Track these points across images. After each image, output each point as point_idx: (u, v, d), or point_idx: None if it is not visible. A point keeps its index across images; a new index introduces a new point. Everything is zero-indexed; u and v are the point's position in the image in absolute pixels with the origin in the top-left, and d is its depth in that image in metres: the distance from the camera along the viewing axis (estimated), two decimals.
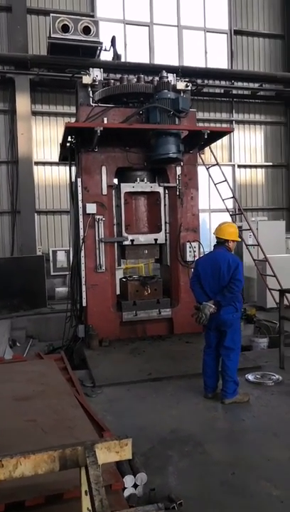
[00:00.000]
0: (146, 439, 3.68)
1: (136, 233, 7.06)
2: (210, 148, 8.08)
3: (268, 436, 3.81)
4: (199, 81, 12.17)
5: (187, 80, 8.54)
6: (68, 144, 7.09)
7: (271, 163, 14.08)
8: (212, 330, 4.66)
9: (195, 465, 3.35)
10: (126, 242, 6.95)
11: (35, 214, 11.61)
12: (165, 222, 7.25)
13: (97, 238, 6.70)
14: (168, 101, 6.47)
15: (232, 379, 4.48)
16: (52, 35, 10.23)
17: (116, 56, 10.11)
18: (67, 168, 7.86)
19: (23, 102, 11.19)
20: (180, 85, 7.06)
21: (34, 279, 9.99)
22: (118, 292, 7.41)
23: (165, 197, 7.23)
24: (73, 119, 9.17)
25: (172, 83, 6.96)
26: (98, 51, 10.79)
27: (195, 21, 13.24)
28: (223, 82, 13.05)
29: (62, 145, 7.28)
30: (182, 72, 11.08)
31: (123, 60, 11.28)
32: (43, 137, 12.01)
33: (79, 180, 6.76)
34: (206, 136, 6.75)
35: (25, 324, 8.96)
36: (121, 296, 7.30)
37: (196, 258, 6.63)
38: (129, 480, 2.85)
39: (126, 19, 12.63)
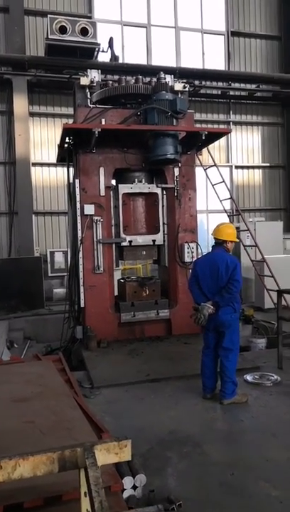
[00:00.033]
0: (144, 440, 3.68)
1: (134, 234, 7.06)
2: (207, 149, 8.09)
3: (267, 436, 3.81)
4: (196, 82, 12.19)
5: (184, 81, 8.56)
6: (66, 145, 7.08)
7: (268, 164, 14.11)
8: (211, 331, 4.66)
9: (194, 466, 3.35)
10: (124, 243, 6.95)
11: (33, 215, 11.59)
12: (163, 223, 7.26)
13: (95, 239, 6.70)
14: (166, 102, 6.47)
15: (230, 379, 4.49)
16: (49, 37, 10.22)
17: (114, 57, 10.13)
18: (65, 169, 7.85)
19: (20, 103, 11.18)
20: (178, 86, 7.07)
21: (32, 280, 9.96)
22: (116, 293, 7.40)
23: (163, 198, 7.23)
24: (71, 121, 9.18)
25: (170, 84, 6.96)
26: (96, 52, 10.78)
27: (192, 23, 13.26)
28: (220, 83, 13.06)
29: (60, 146, 7.27)
30: (179, 73, 11.09)
31: (120, 61, 11.28)
32: (41, 138, 11.99)
33: (77, 181, 6.76)
34: (204, 137, 6.76)
35: (23, 325, 8.94)
36: (119, 297, 7.30)
37: (194, 259, 6.65)
38: (128, 481, 2.85)
39: (124, 20, 12.64)
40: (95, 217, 6.69)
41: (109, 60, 10.33)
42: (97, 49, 10.68)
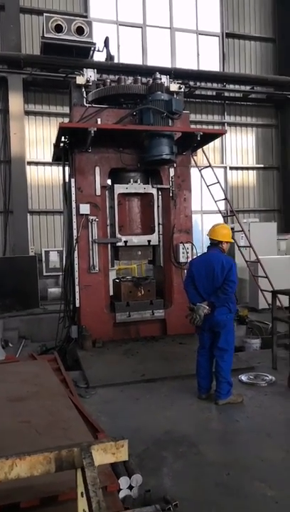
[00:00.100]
0: (140, 440, 3.68)
1: (130, 234, 7.05)
2: (202, 150, 8.11)
3: (262, 436, 3.82)
4: (191, 83, 12.22)
5: (180, 81, 8.57)
6: (62, 144, 7.06)
7: (262, 165, 14.18)
8: (206, 331, 4.67)
9: (189, 466, 3.36)
10: (119, 244, 6.95)
11: (28, 214, 11.55)
12: (159, 224, 7.26)
13: (90, 239, 6.69)
14: (162, 102, 6.49)
15: (225, 380, 4.50)
16: (45, 35, 10.20)
17: (110, 57, 10.11)
18: (60, 168, 7.83)
19: (15, 102, 11.13)
20: (174, 87, 7.08)
21: (26, 279, 9.93)
22: (111, 293, 7.39)
23: (158, 198, 7.23)
24: (66, 120, 9.15)
25: (165, 85, 6.97)
26: (91, 52, 10.78)
27: (187, 24, 13.31)
28: (215, 85, 13.10)
29: (56, 145, 7.25)
30: (174, 74, 11.11)
31: (116, 61, 11.28)
32: (36, 137, 11.96)
33: (72, 180, 6.74)
34: (199, 138, 6.77)
35: (18, 325, 8.90)
36: (114, 297, 7.29)
37: (189, 259, 6.66)
38: (124, 481, 2.84)
39: (120, 20, 12.65)
40: (91, 217, 6.67)
41: (104, 60, 10.32)
42: (92, 48, 10.68)
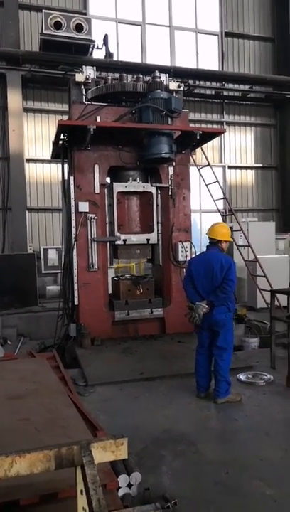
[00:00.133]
0: (139, 439, 3.67)
1: (129, 233, 7.05)
2: (201, 149, 8.11)
3: (260, 435, 3.83)
4: (190, 82, 12.21)
5: (179, 80, 8.56)
6: (61, 142, 7.04)
7: (261, 165, 14.18)
8: (205, 330, 4.67)
9: (188, 464, 3.36)
10: (118, 242, 6.94)
11: (27, 211, 11.52)
12: (158, 222, 7.26)
13: (89, 237, 6.68)
14: (161, 101, 6.48)
15: (224, 379, 4.50)
16: (44, 32, 10.15)
17: (109, 55, 10.06)
18: (59, 165, 7.80)
19: (14, 99, 11.09)
20: (173, 85, 7.06)
21: (25, 277, 9.91)
22: (110, 291, 7.39)
23: (157, 197, 7.23)
24: (65, 117, 9.14)
25: (164, 83, 6.96)
26: (90, 49, 10.73)
27: (186, 22, 13.28)
28: (214, 84, 13.09)
29: (55, 143, 7.22)
30: (173, 72, 11.08)
31: (115, 58, 11.24)
32: (35, 134, 11.92)
33: (71, 178, 6.73)
34: (198, 137, 6.77)
35: (16, 322, 8.90)
36: (113, 295, 7.29)
37: (188, 258, 6.66)
38: (123, 479, 2.84)
39: (119, 18, 12.61)
40: (89, 215, 6.66)
41: (103, 57, 10.28)
42: (91, 46, 10.64)
